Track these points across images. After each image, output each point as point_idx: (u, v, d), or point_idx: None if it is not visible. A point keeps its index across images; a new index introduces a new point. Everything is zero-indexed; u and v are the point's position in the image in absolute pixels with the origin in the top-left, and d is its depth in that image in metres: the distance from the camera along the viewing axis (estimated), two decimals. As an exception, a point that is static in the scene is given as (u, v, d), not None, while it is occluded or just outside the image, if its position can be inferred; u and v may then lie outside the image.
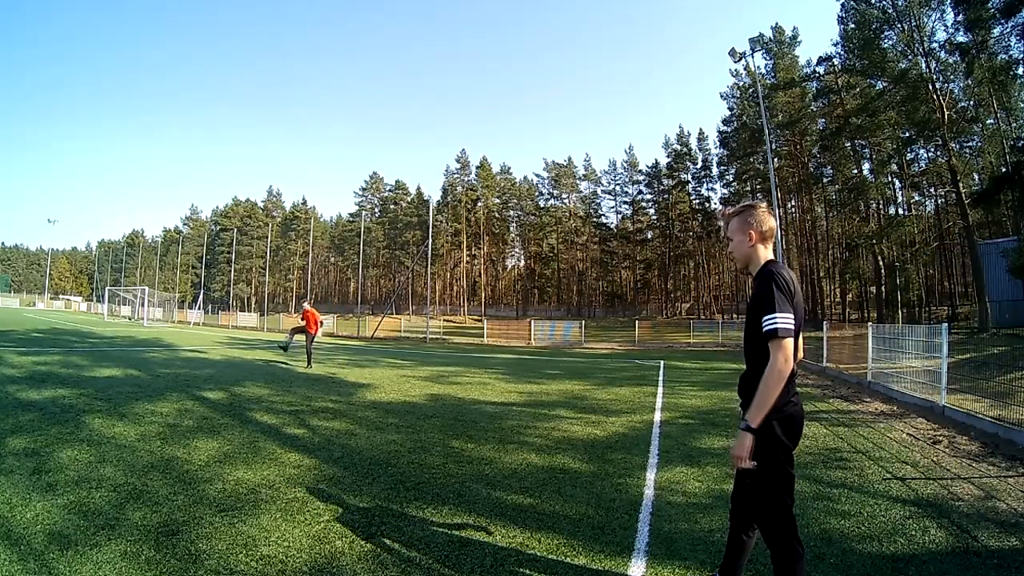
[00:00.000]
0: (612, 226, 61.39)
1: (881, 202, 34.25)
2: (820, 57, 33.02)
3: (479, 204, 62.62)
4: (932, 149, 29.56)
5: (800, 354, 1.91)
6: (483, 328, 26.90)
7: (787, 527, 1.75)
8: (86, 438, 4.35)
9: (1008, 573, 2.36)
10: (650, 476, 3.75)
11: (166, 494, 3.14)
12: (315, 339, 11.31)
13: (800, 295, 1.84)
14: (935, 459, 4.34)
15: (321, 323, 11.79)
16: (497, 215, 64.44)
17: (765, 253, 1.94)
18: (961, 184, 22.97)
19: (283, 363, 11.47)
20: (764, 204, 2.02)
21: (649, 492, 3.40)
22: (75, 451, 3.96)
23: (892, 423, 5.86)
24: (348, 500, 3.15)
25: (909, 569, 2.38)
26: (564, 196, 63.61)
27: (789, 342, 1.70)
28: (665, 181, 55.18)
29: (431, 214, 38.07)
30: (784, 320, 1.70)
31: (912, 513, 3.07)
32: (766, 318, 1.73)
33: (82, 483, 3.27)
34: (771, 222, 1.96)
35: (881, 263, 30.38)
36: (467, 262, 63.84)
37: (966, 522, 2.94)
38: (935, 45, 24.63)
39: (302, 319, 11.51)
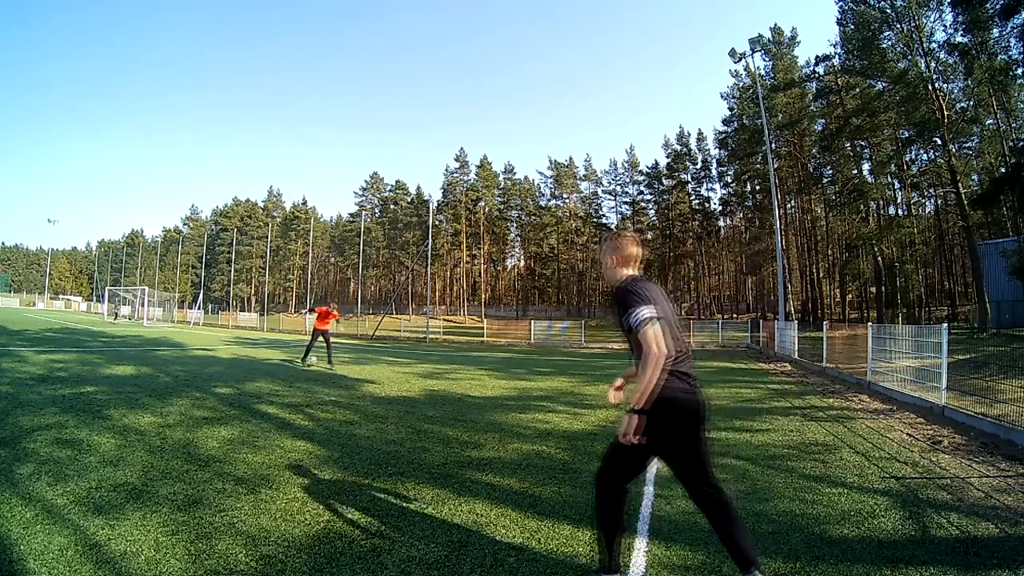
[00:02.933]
0: (612, 226, 61.38)
1: (881, 202, 34.29)
2: (819, 56, 33.08)
3: (479, 204, 62.62)
4: (932, 149, 29.60)
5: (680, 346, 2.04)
6: (483, 328, 26.91)
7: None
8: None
9: (1007, 572, 2.37)
10: (649, 472, 3.75)
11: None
12: (324, 334, 11.40)
13: (666, 303, 2.03)
14: (934, 459, 4.35)
15: (336, 320, 12.09)
16: (498, 214, 64.45)
17: (627, 273, 2.16)
18: (961, 184, 22.99)
19: (289, 362, 11.49)
20: (629, 232, 2.25)
21: (649, 492, 3.40)
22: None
23: (891, 423, 5.86)
24: (349, 499, 3.15)
25: (909, 569, 2.38)
26: (565, 196, 63.65)
27: (657, 327, 1.87)
28: (665, 181, 55.22)
29: (431, 214, 38.14)
30: (645, 311, 1.88)
31: (912, 513, 3.07)
32: (630, 318, 1.90)
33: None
34: (631, 249, 2.16)
35: (881, 263, 30.40)
36: (467, 262, 63.85)
37: (965, 522, 2.95)
38: (934, 45, 24.67)
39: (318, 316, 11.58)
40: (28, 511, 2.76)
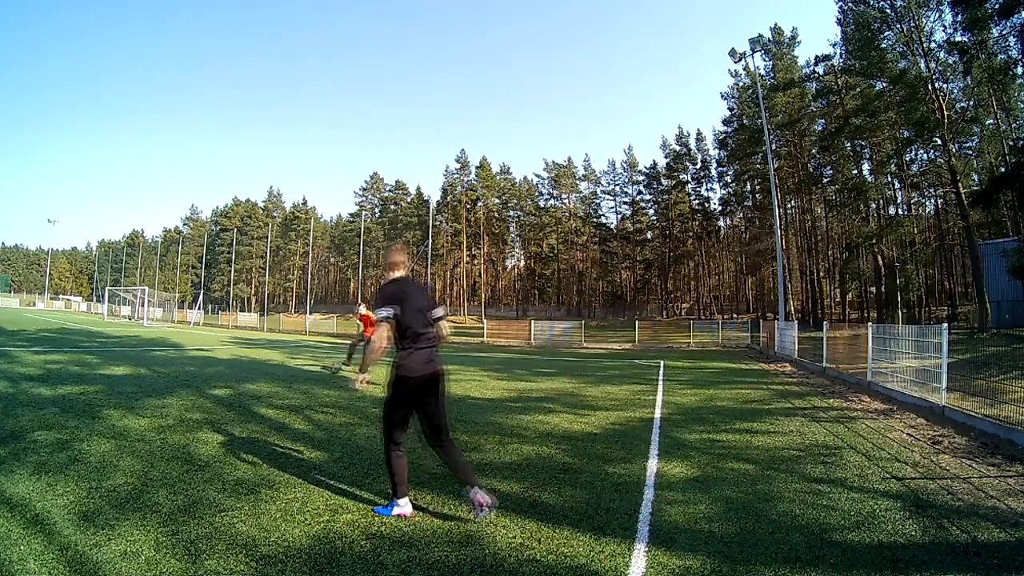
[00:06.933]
0: (612, 226, 61.36)
1: (881, 202, 34.23)
2: (818, 56, 33.03)
3: (479, 204, 62.61)
4: (932, 149, 29.57)
5: (442, 332, 3.14)
6: (483, 328, 26.91)
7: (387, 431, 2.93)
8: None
9: (1008, 573, 2.36)
10: (650, 474, 3.75)
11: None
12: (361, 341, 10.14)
13: (415, 298, 2.92)
14: (935, 459, 4.34)
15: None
16: (497, 215, 64.42)
17: (392, 275, 3.05)
18: (961, 184, 22.97)
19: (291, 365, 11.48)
20: (397, 244, 3.36)
21: (649, 494, 3.40)
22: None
23: (891, 423, 5.86)
24: (348, 499, 3.15)
25: (909, 569, 2.38)
26: (564, 196, 63.63)
27: (383, 326, 2.85)
28: (664, 181, 55.20)
29: (431, 214, 38.15)
30: (383, 311, 2.80)
31: (912, 513, 3.07)
32: (378, 312, 2.82)
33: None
34: (395, 257, 3.10)
35: (881, 263, 30.38)
36: (467, 262, 63.83)
37: (966, 522, 2.95)
38: (934, 45, 24.67)
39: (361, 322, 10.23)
40: (26, 513, 2.76)
